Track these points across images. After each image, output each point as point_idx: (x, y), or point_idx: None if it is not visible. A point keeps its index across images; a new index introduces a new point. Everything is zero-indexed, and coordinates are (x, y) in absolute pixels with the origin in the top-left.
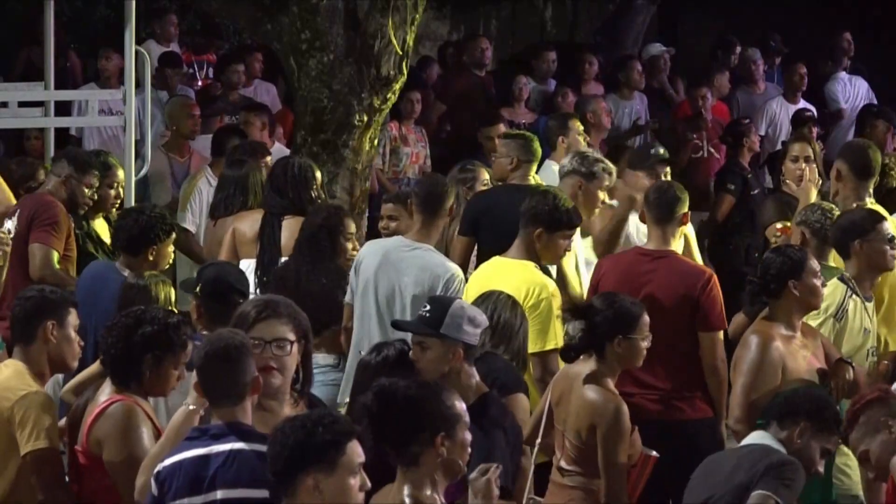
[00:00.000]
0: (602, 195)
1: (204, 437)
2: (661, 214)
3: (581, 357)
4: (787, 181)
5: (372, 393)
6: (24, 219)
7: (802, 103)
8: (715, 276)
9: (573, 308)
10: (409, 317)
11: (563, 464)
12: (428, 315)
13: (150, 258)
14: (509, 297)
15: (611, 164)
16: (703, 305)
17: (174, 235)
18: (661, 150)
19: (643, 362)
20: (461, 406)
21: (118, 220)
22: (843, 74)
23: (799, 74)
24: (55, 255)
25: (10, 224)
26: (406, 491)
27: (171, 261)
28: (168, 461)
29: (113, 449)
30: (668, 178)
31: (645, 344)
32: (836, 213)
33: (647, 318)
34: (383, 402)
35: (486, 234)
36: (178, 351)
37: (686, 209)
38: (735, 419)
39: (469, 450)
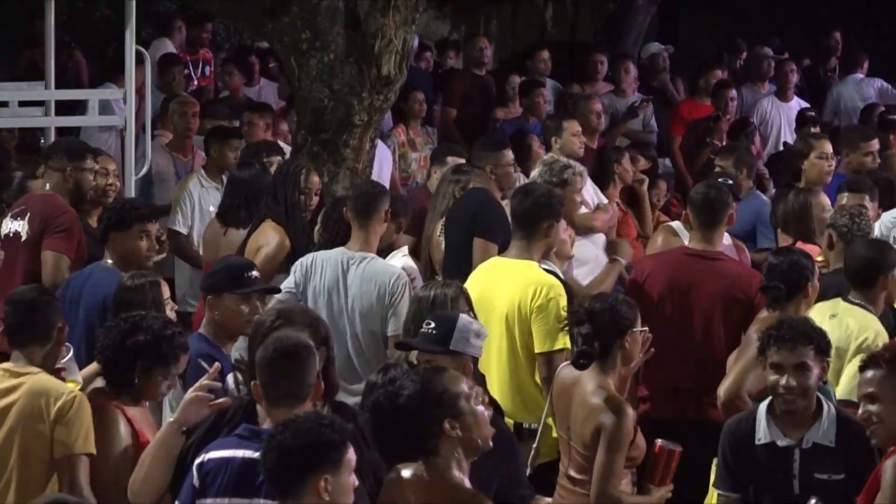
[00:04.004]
0: (578, 198)
1: (256, 440)
2: (707, 218)
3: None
4: (809, 179)
5: (368, 412)
6: (35, 222)
7: (796, 101)
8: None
9: (574, 314)
10: (358, 332)
11: (572, 472)
12: (434, 332)
13: (117, 247)
14: (462, 287)
15: (578, 165)
16: (759, 308)
17: (139, 226)
18: (720, 179)
19: (687, 362)
20: (458, 386)
21: None
22: (858, 76)
23: (789, 73)
24: (67, 262)
25: (16, 226)
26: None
27: (146, 252)
28: (215, 454)
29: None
30: None
31: (644, 336)
32: (867, 219)
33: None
34: (379, 417)
35: None
36: (170, 362)
37: (732, 210)
38: (723, 388)
39: (483, 420)
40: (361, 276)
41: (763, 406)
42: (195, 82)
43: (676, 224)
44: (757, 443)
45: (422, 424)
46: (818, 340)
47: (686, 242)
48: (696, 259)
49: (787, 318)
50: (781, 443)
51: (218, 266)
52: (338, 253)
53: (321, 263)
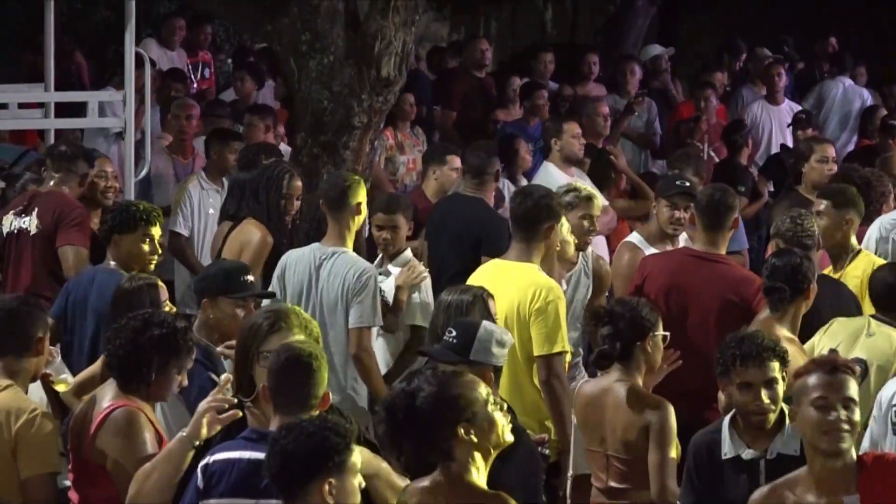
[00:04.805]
0: (585, 222)
1: (263, 442)
2: (710, 220)
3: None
4: (810, 182)
5: (383, 413)
6: (48, 218)
7: (787, 104)
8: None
9: (596, 315)
10: (327, 328)
11: (612, 484)
12: (455, 342)
13: (120, 249)
14: (482, 292)
15: (587, 189)
16: (756, 314)
17: (143, 229)
18: (687, 184)
19: (684, 363)
20: (475, 391)
21: None
22: (844, 79)
23: (777, 76)
24: (85, 254)
25: (21, 222)
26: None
27: (149, 255)
28: (220, 456)
29: (117, 457)
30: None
31: (665, 340)
32: (809, 219)
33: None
34: (395, 419)
35: None
36: (184, 356)
37: (737, 214)
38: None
39: (500, 427)
40: (329, 272)
41: (726, 420)
42: (195, 86)
43: (636, 237)
44: (723, 457)
45: (436, 428)
46: (780, 352)
47: (647, 253)
48: (697, 261)
49: (745, 334)
50: (746, 455)
51: (213, 269)
52: (310, 250)
53: (294, 262)
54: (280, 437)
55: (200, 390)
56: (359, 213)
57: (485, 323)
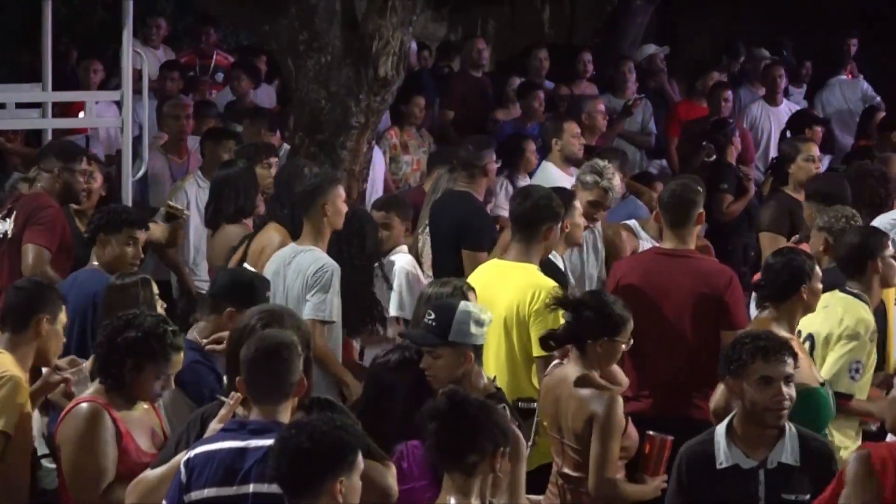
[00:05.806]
0: (592, 209)
1: (242, 431)
2: (675, 218)
3: (561, 359)
4: (797, 181)
5: (446, 397)
6: (20, 219)
7: (786, 104)
8: (736, 276)
9: (562, 300)
10: None
11: (567, 470)
12: (434, 324)
13: (104, 249)
14: (462, 284)
15: (609, 182)
16: (728, 305)
17: (128, 231)
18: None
19: (663, 360)
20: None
21: None
22: (842, 78)
23: (777, 77)
24: (46, 255)
25: (3, 226)
26: (453, 501)
27: (132, 258)
28: (201, 449)
29: (69, 449)
30: None
31: (625, 347)
32: (859, 220)
33: (632, 322)
34: (456, 405)
35: None
36: (160, 361)
37: (700, 209)
38: (715, 400)
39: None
40: (294, 269)
41: (721, 428)
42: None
43: (633, 223)
44: (718, 467)
45: (489, 438)
46: (793, 351)
47: (638, 240)
48: (668, 258)
49: (761, 331)
50: (745, 465)
51: (242, 279)
52: (287, 248)
53: (271, 261)
54: (290, 436)
55: (212, 392)
56: (325, 214)
57: (462, 303)
